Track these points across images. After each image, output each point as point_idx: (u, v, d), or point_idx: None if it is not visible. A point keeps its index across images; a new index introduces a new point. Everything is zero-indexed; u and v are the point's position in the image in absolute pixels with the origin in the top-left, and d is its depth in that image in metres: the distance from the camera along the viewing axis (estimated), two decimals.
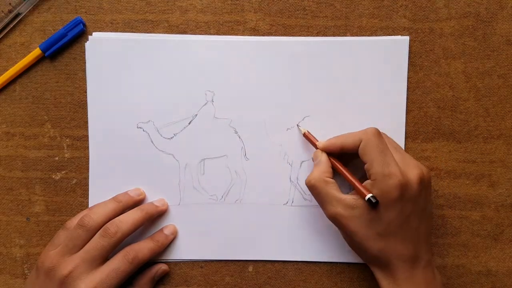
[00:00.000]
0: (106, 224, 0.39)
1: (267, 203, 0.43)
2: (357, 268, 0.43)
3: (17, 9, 0.43)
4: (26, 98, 0.44)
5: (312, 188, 0.39)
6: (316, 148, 0.41)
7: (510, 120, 0.43)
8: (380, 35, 0.43)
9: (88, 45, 0.43)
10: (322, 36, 0.43)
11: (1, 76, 0.43)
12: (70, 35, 0.43)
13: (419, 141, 0.43)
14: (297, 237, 0.43)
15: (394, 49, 0.43)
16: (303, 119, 0.43)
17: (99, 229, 0.39)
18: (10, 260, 0.44)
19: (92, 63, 0.43)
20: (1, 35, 0.43)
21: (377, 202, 0.37)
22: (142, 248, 0.41)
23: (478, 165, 0.43)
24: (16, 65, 0.43)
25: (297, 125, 0.43)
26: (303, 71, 0.43)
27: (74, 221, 0.40)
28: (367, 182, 0.38)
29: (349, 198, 0.38)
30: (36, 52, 0.43)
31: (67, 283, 0.38)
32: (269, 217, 0.43)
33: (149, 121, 0.43)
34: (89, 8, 0.43)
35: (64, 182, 0.43)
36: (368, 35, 0.43)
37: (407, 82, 0.43)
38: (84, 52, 0.43)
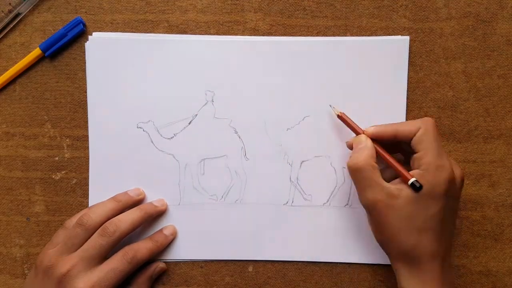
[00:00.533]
0: (105, 223, 0.39)
1: (267, 203, 0.43)
2: (357, 268, 0.43)
3: (17, 9, 0.43)
4: (26, 98, 0.44)
5: (357, 171, 0.38)
6: (357, 133, 0.40)
7: (510, 120, 0.43)
8: (380, 35, 0.43)
9: (88, 45, 0.43)
10: (322, 36, 0.43)
11: (1, 76, 0.43)
12: (70, 35, 0.43)
13: None
14: (297, 237, 0.43)
15: (394, 49, 0.43)
16: (303, 119, 0.43)
17: (98, 229, 0.39)
18: (10, 260, 0.44)
19: (92, 63, 0.43)
20: (1, 35, 0.43)
21: (421, 186, 0.36)
22: (141, 248, 0.41)
23: (478, 165, 0.43)
24: (16, 65, 0.43)
25: (330, 105, 0.42)
26: (303, 71, 0.43)
27: (73, 220, 0.40)
28: (416, 171, 0.37)
29: (393, 187, 0.37)
30: (36, 52, 0.43)
31: (65, 281, 0.38)
32: (269, 217, 0.43)
33: (149, 121, 0.43)
34: (89, 8, 0.43)
35: (64, 182, 0.43)
36: (368, 35, 0.43)
37: (407, 82, 0.43)
38: (84, 52, 0.43)
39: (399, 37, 0.43)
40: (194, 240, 0.43)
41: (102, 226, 0.39)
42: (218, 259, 0.43)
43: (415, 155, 0.37)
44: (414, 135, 0.37)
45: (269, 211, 0.43)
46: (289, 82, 0.43)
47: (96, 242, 0.39)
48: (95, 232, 0.39)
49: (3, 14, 0.43)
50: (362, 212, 0.42)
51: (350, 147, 0.40)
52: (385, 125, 0.39)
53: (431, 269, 0.36)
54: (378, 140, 0.39)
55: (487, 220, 0.43)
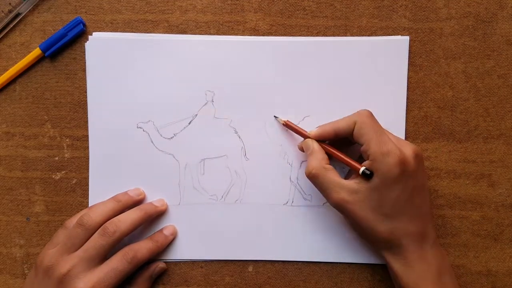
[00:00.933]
0: (105, 224, 0.39)
1: (267, 203, 0.43)
2: (357, 268, 0.43)
3: (17, 9, 0.43)
4: (26, 98, 0.44)
5: (314, 177, 0.39)
6: (305, 137, 0.41)
7: (510, 120, 0.43)
8: (380, 35, 0.43)
9: (88, 45, 0.43)
10: (322, 36, 0.43)
11: (1, 76, 0.43)
12: (70, 35, 0.43)
13: (419, 141, 0.43)
14: (297, 237, 0.43)
15: (394, 49, 0.43)
16: (303, 119, 0.43)
17: (98, 229, 0.39)
18: (10, 260, 0.44)
19: (92, 63, 0.43)
20: (1, 35, 0.43)
21: (371, 173, 0.37)
22: (141, 248, 0.41)
23: (478, 165, 0.43)
24: (16, 65, 0.43)
25: (275, 116, 0.43)
26: (303, 71, 0.43)
27: (73, 220, 0.40)
28: (366, 162, 0.38)
29: (351, 182, 0.38)
30: (36, 52, 0.43)
31: (66, 281, 0.38)
32: (269, 217, 0.43)
33: (149, 121, 0.43)
34: (89, 8, 0.43)
35: (64, 182, 0.43)
36: (368, 35, 0.43)
37: (407, 82, 0.43)
38: (84, 52, 0.43)
39: (399, 37, 0.43)
40: (194, 240, 0.43)
41: (102, 226, 0.39)
42: (218, 259, 0.43)
43: (361, 148, 0.38)
44: (352, 129, 0.39)
45: (269, 211, 0.43)
46: (288, 82, 0.43)
47: (96, 242, 0.39)
48: (95, 232, 0.39)
49: (3, 14, 0.43)
50: None
51: (302, 149, 0.41)
52: (325, 125, 0.40)
53: (414, 250, 0.37)
54: (324, 140, 0.40)
55: (487, 220, 0.43)
